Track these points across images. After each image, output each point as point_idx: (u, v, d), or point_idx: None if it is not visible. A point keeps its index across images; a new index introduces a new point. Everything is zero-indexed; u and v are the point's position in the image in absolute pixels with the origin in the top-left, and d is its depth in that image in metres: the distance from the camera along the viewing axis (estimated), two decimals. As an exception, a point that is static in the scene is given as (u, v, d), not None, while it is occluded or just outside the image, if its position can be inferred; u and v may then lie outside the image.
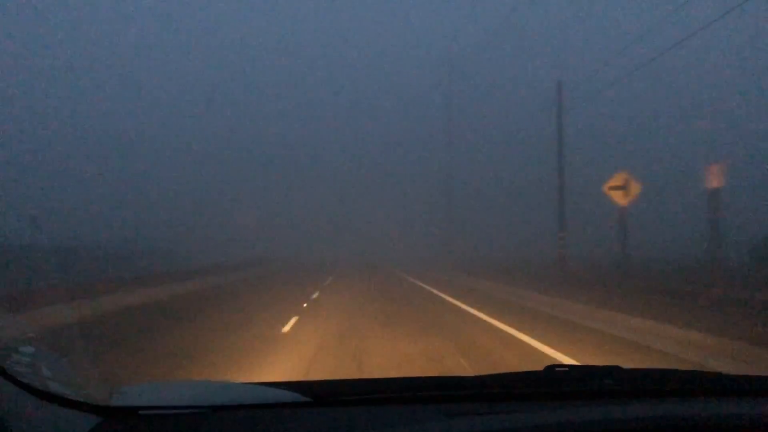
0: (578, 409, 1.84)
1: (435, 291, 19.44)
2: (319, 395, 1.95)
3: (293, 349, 8.10)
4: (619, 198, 17.68)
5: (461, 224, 55.73)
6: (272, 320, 11.33)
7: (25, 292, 13.15)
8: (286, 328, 10.18)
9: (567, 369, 2.09)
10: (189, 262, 36.62)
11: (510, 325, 10.59)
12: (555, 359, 7.34)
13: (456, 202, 55.16)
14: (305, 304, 14.67)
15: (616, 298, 14.29)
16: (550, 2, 61.53)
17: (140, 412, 1.81)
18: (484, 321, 11.44)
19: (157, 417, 1.81)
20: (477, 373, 2.25)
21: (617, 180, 17.71)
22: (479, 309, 13.41)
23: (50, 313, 10.15)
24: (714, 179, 14.60)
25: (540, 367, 2.13)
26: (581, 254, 30.92)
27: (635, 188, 17.52)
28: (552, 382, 2.10)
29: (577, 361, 7.26)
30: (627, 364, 2.28)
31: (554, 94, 23.22)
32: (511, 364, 7.09)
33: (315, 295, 17.40)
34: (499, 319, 11.43)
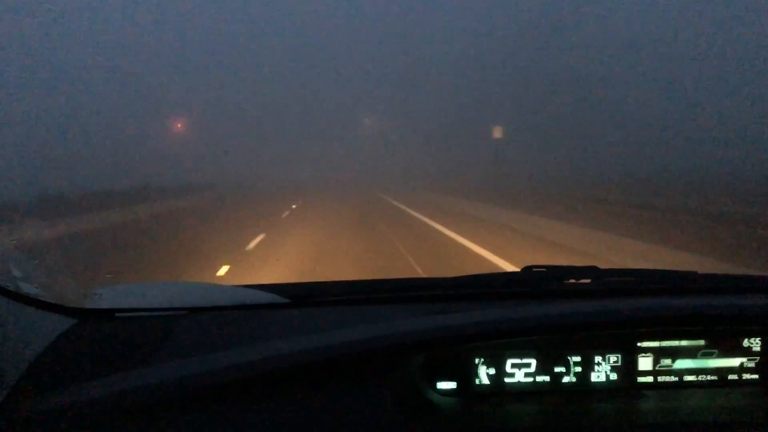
0: (556, 305, 1.87)
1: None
2: (297, 296, 1.95)
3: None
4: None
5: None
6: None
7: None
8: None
9: (544, 269, 2.10)
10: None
11: None
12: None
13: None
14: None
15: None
16: None
17: (116, 314, 1.80)
18: None
19: (133, 319, 1.80)
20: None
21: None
22: None
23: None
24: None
25: None
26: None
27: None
28: (530, 281, 2.12)
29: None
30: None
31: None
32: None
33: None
34: None
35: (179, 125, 61.77)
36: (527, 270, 2.12)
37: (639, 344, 1.75)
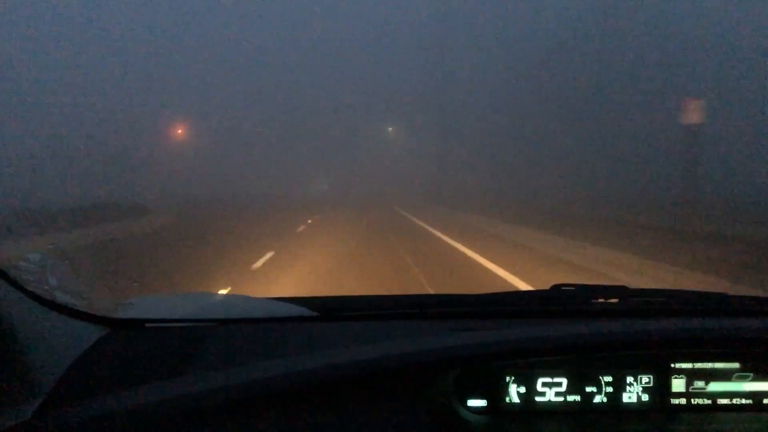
0: (584, 324, 1.85)
1: None
2: (325, 310, 1.96)
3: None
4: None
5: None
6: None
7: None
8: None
9: (573, 288, 2.09)
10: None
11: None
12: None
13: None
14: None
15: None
16: None
17: (146, 324, 1.83)
18: None
19: (164, 329, 1.82)
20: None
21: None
22: None
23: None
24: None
25: None
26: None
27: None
28: (558, 300, 2.11)
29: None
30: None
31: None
32: None
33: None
34: None
35: (179, 132, 52.40)
36: (556, 288, 2.11)
37: (672, 365, 1.73)
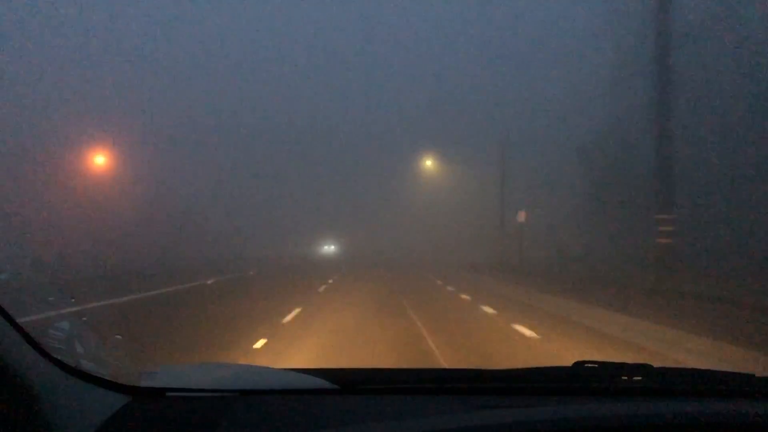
0: (607, 404, 1.82)
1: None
2: (347, 383, 1.96)
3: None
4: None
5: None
6: None
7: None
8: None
9: (596, 365, 2.06)
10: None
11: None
12: None
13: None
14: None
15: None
16: None
17: (168, 393, 1.85)
18: None
19: (184, 399, 1.84)
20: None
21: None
22: None
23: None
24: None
25: None
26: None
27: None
28: (580, 377, 2.08)
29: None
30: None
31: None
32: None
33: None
34: None
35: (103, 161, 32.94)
36: (578, 365, 2.08)
37: None
